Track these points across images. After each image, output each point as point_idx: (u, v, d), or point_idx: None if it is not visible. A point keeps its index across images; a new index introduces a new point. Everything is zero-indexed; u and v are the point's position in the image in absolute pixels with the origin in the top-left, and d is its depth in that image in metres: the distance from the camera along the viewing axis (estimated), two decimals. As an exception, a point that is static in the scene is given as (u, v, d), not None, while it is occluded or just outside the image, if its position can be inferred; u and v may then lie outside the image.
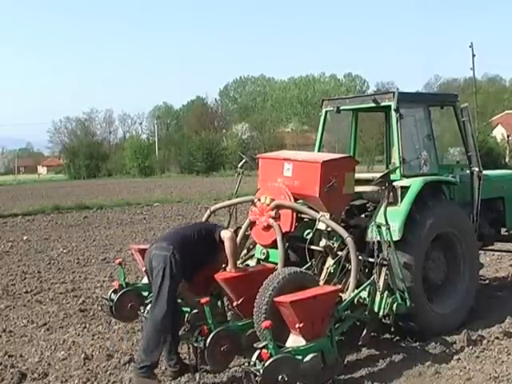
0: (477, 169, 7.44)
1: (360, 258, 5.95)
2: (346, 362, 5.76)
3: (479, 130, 40.40)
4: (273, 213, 6.33)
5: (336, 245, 6.15)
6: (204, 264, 5.87)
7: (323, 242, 6.22)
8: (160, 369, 5.77)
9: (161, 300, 5.40)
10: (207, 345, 5.40)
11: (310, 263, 6.18)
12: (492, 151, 42.83)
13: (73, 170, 68.83)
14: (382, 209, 6.04)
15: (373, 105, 7.19)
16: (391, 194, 6.18)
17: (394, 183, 6.38)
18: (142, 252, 6.81)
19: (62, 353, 6.49)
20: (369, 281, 5.85)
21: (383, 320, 5.96)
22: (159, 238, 5.96)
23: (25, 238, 15.75)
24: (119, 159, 66.70)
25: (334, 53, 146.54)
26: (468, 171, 7.53)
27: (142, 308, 6.42)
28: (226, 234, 5.83)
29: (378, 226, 5.94)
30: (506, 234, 8.28)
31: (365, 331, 5.94)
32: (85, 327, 7.38)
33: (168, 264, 5.44)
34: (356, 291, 5.76)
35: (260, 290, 5.45)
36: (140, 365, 5.40)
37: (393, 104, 6.83)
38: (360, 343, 6.00)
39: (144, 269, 5.86)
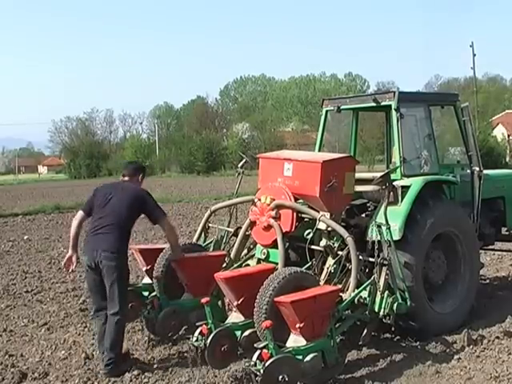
0: (477, 168, 7.44)
1: (360, 257, 5.93)
2: (346, 361, 5.74)
3: (480, 130, 40.34)
4: (273, 213, 6.32)
5: (336, 244, 6.13)
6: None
7: (323, 242, 6.20)
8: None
9: (115, 303, 5.73)
10: (207, 345, 5.40)
11: (310, 263, 6.17)
12: (492, 151, 42.73)
13: (73, 170, 68.78)
14: (383, 208, 6.03)
15: (373, 104, 7.19)
16: (391, 193, 6.17)
17: (395, 183, 6.37)
18: (143, 252, 6.83)
19: (63, 352, 6.49)
20: (369, 280, 5.84)
21: (383, 320, 5.94)
22: (97, 226, 5.89)
23: (25, 237, 15.74)
24: (120, 159, 66.46)
25: (335, 52, 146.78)
26: (468, 171, 7.52)
27: (142, 308, 6.42)
28: (166, 226, 6.19)
29: (379, 226, 5.94)
30: (507, 233, 8.27)
31: (365, 331, 5.93)
32: (85, 327, 7.37)
33: (120, 272, 5.78)
34: (356, 291, 5.75)
35: (260, 290, 5.43)
36: (108, 361, 5.68)
37: (393, 103, 6.82)
38: (360, 343, 6.00)
39: (88, 264, 5.88)
